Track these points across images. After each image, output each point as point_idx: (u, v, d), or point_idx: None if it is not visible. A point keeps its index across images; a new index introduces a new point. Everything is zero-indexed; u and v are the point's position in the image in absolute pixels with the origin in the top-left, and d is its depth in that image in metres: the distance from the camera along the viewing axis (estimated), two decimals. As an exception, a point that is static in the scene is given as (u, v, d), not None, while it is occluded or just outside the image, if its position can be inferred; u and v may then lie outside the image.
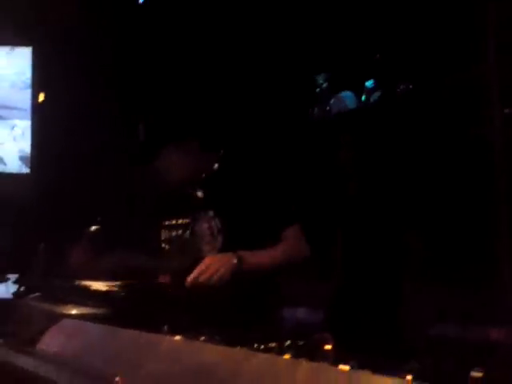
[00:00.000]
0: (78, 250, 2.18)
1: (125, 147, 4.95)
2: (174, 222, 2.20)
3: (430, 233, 3.76)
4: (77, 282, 1.81)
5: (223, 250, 2.02)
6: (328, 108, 5.11)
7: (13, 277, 2.22)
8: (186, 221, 2.17)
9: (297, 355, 0.97)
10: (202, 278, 1.85)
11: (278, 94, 4.99)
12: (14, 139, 5.73)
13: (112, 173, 5.34)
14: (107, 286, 1.73)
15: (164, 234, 2.21)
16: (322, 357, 0.97)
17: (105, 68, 5.52)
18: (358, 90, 4.86)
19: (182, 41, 5.20)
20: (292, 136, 4.93)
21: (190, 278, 1.86)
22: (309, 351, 1.00)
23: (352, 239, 3.81)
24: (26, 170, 5.69)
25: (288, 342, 1.07)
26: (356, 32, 4.59)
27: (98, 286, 1.73)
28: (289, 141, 4.89)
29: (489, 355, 2.71)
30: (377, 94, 4.71)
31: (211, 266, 1.88)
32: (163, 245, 2.22)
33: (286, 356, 0.95)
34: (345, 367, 0.86)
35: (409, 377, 0.83)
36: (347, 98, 4.96)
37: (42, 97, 5.70)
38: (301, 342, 1.07)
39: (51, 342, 1.36)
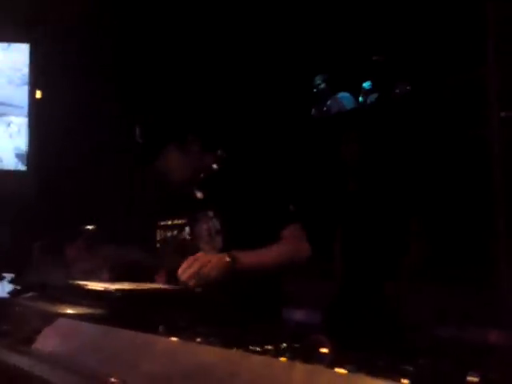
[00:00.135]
0: (74, 248, 2.17)
1: (122, 146, 4.95)
2: (169, 222, 2.20)
3: (430, 233, 3.76)
4: (73, 282, 1.81)
5: (223, 250, 2.01)
6: (325, 109, 5.12)
7: (8, 276, 2.21)
8: (183, 221, 2.17)
9: (293, 357, 0.97)
10: (191, 270, 1.82)
11: (277, 95, 5.00)
12: (10, 136, 5.71)
13: (109, 171, 5.33)
14: (103, 285, 1.73)
15: (160, 234, 2.21)
16: (318, 359, 0.97)
17: (103, 66, 5.51)
18: (356, 91, 4.87)
19: (183, 40, 5.20)
20: (290, 135, 4.94)
21: (180, 269, 1.84)
22: (305, 353, 1.00)
23: (352, 238, 3.81)
24: (21, 167, 5.68)
25: (284, 345, 1.07)
26: (354, 34, 4.59)
27: (94, 285, 1.73)
28: (287, 140, 4.90)
29: (487, 357, 2.72)
30: (374, 96, 4.72)
31: (200, 258, 1.87)
32: (158, 245, 2.22)
33: (283, 358, 0.95)
34: (341, 370, 0.86)
35: (405, 380, 0.83)
36: (344, 98, 4.96)
37: (39, 94, 5.68)
38: (297, 344, 1.07)
39: (47, 341, 1.36)
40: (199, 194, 2.15)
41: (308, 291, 3.85)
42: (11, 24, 5.43)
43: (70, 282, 1.81)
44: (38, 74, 5.67)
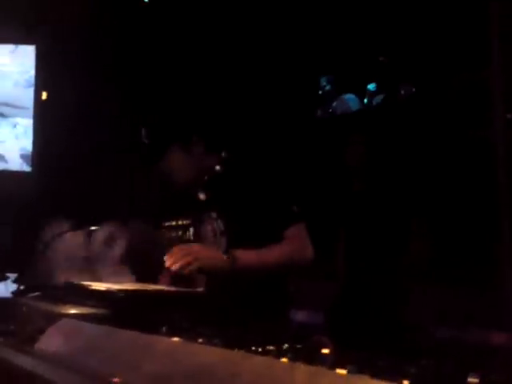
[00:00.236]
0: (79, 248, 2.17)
1: (127, 147, 4.95)
2: (174, 223, 2.20)
3: (434, 234, 3.76)
4: (76, 282, 1.81)
5: (227, 251, 2.01)
6: (331, 110, 5.12)
7: (12, 276, 2.22)
8: (187, 222, 2.17)
9: (295, 358, 0.97)
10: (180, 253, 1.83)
11: (282, 96, 5.00)
12: (16, 137, 5.73)
13: (114, 172, 5.34)
14: (106, 286, 1.73)
15: (165, 235, 2.22)
16: (320, 360, 0.97)
17: (108, 67, 5.52)
18: (361, 92, 4.87)
19: (189, 42, 5.20)
20: (295, 136, 4.94)
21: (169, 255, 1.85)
22: (307, 354, 1.00)
23: (355, 239, 3.81)
24: (27, 168, 5.69)
25: (286, 345, 1.07)
26: (359, 36, 4.59)
27: (97, 286, 1.73)
28: (291, 141, 4.90)
29: (489, 358, 2.71)
30: (379, 97, 4.72)
31: (195, 246, 1.89)
32: (163, 245, 2.22)
33: (284, 359, 0.95)
34: (342, 371, 0.86)
35: (407, 382, 0.83)
36: (350, 100, 4.96)
37: (44, 95, 5.70)
38: (299, 345, 1.07)
39: (50, 341, 1.36)
40: (203, 196, 2.16)
41: (310, 292, 3.84)
42: (18, 26, 5.44)
43: (74, 282, 1.82)
44: (44, 76, 5.68)
